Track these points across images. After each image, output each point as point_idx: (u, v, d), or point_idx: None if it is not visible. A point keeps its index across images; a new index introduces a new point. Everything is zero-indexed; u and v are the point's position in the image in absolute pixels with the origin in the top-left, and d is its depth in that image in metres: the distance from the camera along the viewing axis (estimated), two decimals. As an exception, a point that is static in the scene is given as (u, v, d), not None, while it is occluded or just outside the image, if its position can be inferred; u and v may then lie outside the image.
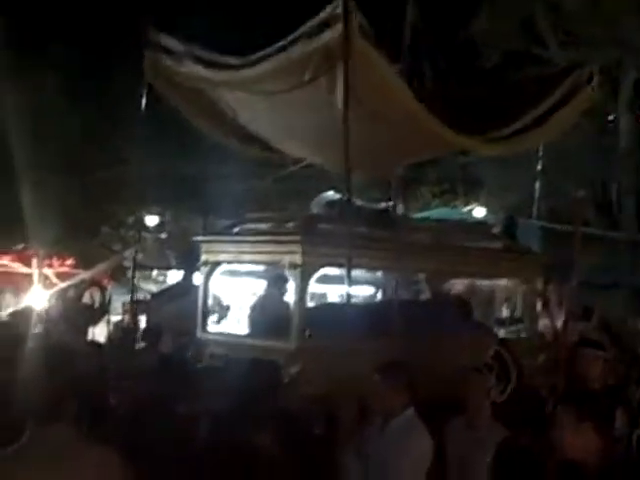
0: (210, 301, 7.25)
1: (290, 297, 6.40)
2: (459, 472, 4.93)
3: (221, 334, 6.93)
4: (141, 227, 17.65)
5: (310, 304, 6.61)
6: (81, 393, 3.12)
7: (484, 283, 7.69)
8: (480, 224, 8.28)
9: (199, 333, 6.87)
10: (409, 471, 4.59)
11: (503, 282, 7.54)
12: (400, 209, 7.19)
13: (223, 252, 6.89)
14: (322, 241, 6.16)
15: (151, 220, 17.82)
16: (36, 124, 13.86)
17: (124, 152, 14.95)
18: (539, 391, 6.13)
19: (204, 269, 6.97)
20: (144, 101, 7.55)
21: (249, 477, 4.40)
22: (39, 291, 13.54)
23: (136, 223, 17.05)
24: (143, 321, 11.22)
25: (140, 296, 14.04)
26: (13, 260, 15.96)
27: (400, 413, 4.72)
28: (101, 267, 15.48)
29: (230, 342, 6.69)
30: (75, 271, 15.32)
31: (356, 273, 5.96)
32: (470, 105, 7.60)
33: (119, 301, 15.74)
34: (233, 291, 9.48)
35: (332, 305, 7.33)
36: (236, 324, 7.73)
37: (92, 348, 7.12)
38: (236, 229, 6.90)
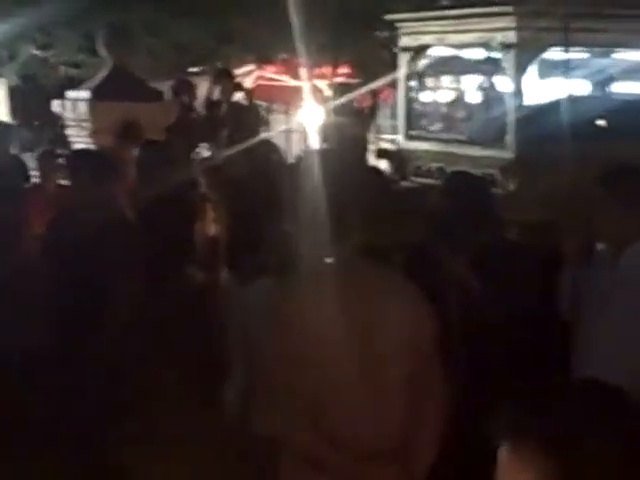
0: (414, 99, 6.73)
1: (504, 89, 5.73)
2: None
3: (426, 142, 6.37)
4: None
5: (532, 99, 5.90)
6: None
7: None
8: None
9: (402, 141, 6.43)
10: None
11: None
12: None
13: (424, 33, 6.29)
14: (544, 12, 5.33)
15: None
16: None
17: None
18: None
19: (404, 56, 6.42)
20: None
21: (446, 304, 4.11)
22: (311, 107, 13.67)
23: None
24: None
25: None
26: (279, 72, 16.29)
27: (635, 238, 4.14)
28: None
29: (436, 152, 6.20)
30: (352, 81, 15.30)
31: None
32: None
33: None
34: (442, 85, 8.87)
35: (559, 102, 6.49)
36: (443, 129, 7.17)
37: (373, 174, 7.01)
38: (440, 3, 6.25)
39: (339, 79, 15.86)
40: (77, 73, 14.36)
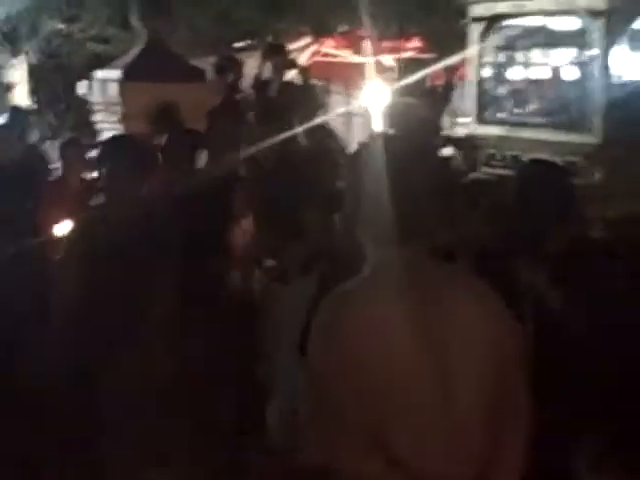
0: (487, 77, 6.80)
1: (591, 65, 5.76)
2: None
3: (501, 126, 6.43)
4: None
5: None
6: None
7: None
8: None
9: (473, 125, 6.50)
10: None
11: None
12: None
13: (498, 0, 6.34)
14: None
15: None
16: None
17: None
18: None
19: (476, 27, 6.49)
20: None
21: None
22: (376, 86, 13.73)
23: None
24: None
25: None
26: (339, 46, 16.36)
27: None
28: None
29: (511, 137, 6.25)
30: (424, 56, 15.34)
31: None
32: None
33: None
34: (518, 61, 8.87)
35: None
36: (519, 111, 7.24)
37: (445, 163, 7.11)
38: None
39: (408, 54, 15.90)
40: (106, 49, 14.57)
